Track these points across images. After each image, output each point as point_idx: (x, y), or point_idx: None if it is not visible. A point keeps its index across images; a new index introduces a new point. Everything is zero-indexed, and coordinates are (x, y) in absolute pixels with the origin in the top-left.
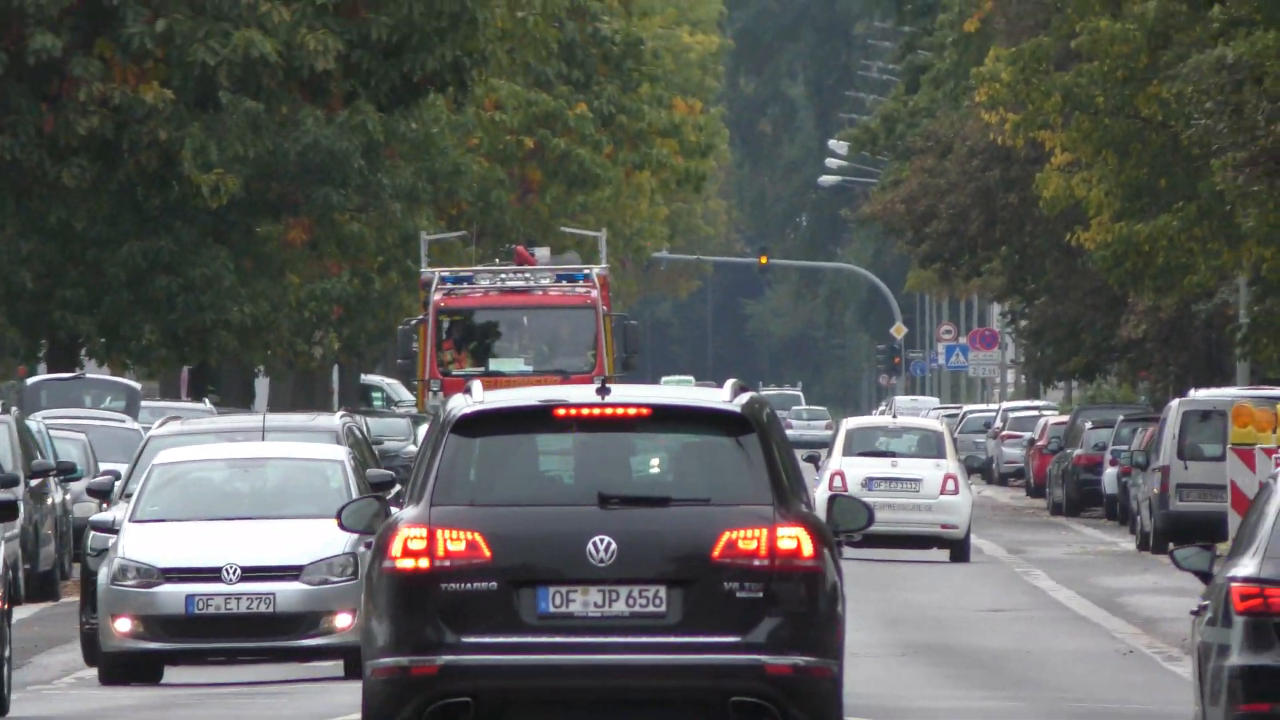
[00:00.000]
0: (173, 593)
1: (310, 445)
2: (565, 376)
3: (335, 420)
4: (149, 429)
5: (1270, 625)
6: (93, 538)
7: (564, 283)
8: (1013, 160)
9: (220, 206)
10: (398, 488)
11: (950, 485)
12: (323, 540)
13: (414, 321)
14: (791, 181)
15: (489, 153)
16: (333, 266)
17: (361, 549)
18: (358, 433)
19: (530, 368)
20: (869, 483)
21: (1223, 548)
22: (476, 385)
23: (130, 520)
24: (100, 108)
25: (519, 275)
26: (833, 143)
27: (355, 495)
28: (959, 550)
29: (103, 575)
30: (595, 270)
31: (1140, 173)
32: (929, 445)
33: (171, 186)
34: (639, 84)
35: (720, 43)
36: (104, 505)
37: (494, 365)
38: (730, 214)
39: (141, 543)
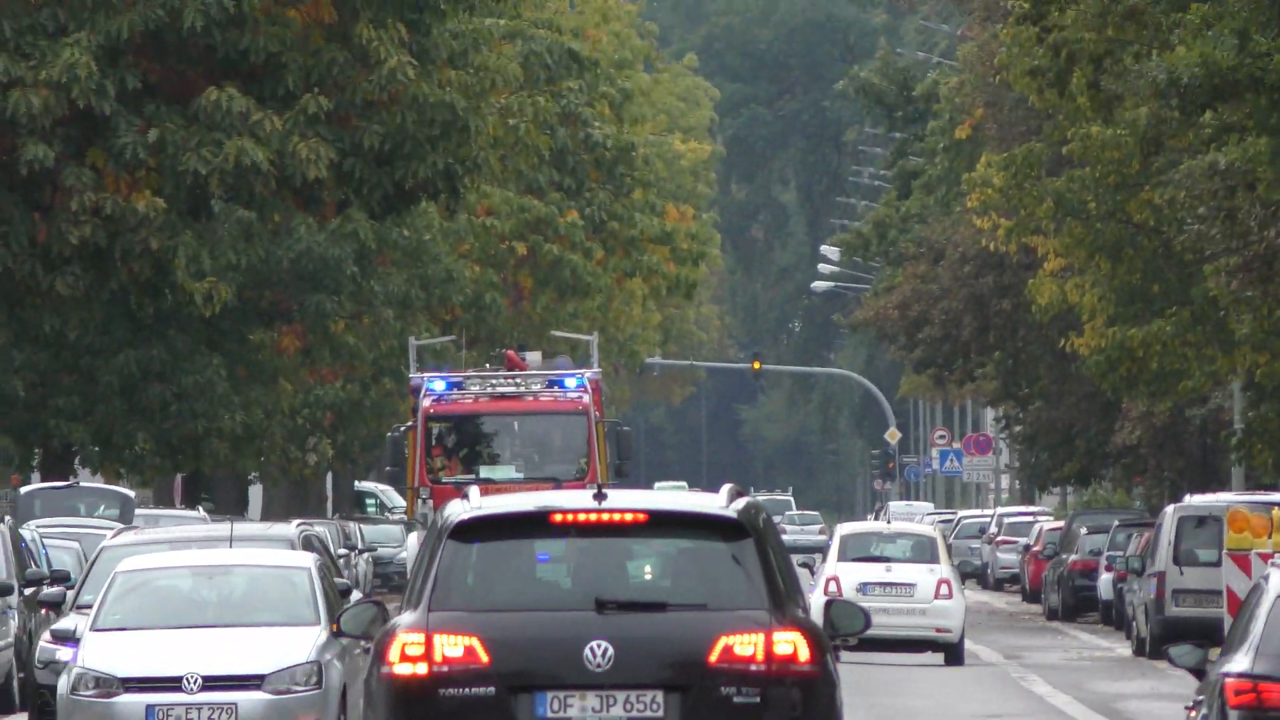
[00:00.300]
0: (132, 703)
1: (277, 552)
2: (557, 484)
3: (291, 529)
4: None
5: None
6: (41, 649)
7: (555, 388)
8: (1005, 266)
9: (213, 314)
10: (356, 594)
11: (944, 590)
12: (287, 649)
13: (403, 428)
14: (784, 287)
15: (481, 258)
16: (326, 374)
17: (328, 657)
18: (316, 542)
19: (521, 475)
20: (864, 587)
21: (1215, 652)
22: (474, 491)
23: (91, 629)
24: (92, 217)
25: (510, 381)
26: (825, 248)
27: (323, 603)
28: (953, 654)
29: (62, 684)
30: (587, 375)
31: (1133, 278)
32: (923, 551)
33: (164, 295)
34: (631, 190)
35: (712, 149)
36: (51, 615)
37: (485, 472)
38: (723, 319)
39: (102, 651)
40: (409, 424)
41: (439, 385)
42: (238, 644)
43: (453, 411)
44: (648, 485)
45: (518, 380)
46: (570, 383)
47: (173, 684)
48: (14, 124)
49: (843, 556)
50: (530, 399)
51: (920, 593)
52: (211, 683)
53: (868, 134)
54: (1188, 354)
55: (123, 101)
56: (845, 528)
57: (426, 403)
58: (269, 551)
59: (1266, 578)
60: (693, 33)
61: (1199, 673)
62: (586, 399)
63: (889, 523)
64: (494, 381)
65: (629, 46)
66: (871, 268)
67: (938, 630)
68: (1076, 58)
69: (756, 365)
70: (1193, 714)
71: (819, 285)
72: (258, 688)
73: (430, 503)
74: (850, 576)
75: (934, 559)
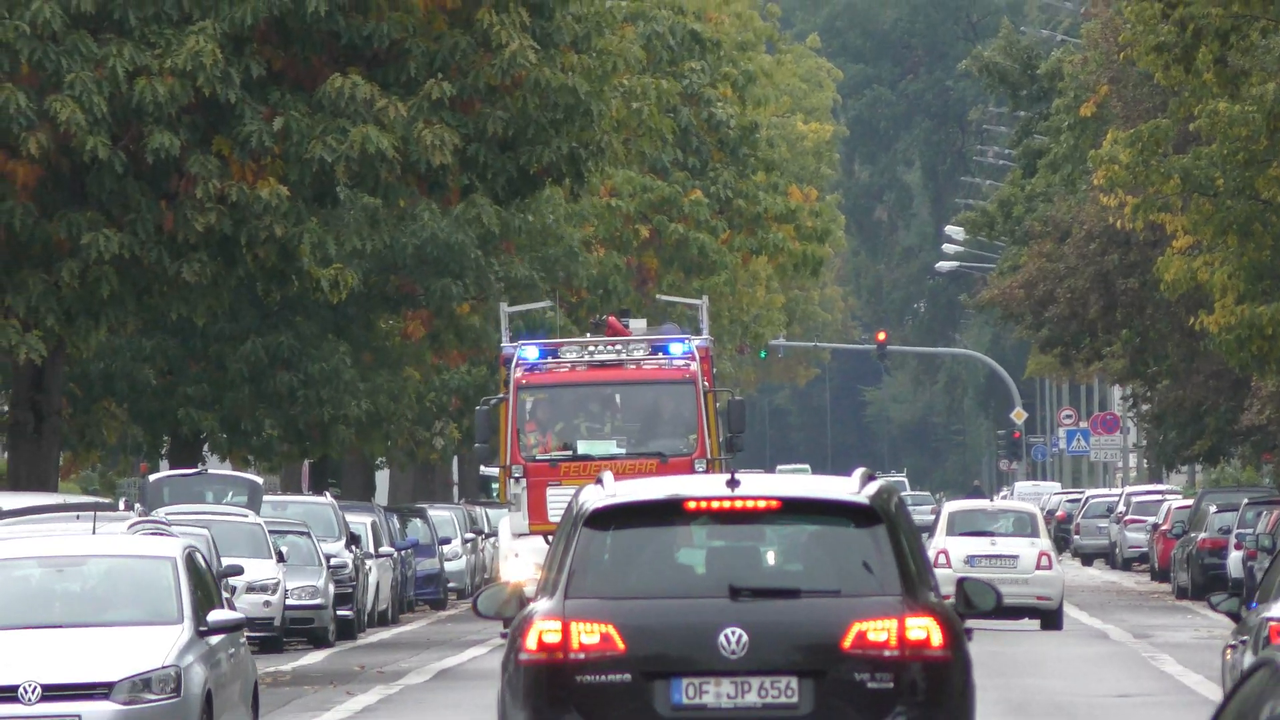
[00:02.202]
0: None
1: (140, 540)
2: (663, 460)
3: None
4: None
5: None
6: None
7: (660, 355)
8: (1132, 244)
9: (340, 301)
10: (245, 633)
11: (1044, 561)
12: (142, 652)
13: (493, 401)
14: (908, 268)
15: (605, 240)
16: (451, 358)
17: (189, 660)
18: (200, 562)
19: (623, 450)
20: (971, 560)
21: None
22: (608, 476)
23: None
24: (218, 204)
25: (609, 348)
26: (949, 228)
27: (188, 598)
28: (1052, 620)
29: None
30: (695, 341)
31: (1263, 255)
32: (1024, 525)
33: (291, 281)
34: (755, 170)
35: (835, 130)
36: None
37: (583, 448)
38: (847, 301)
39: None
40: (500, 396)
41: (531, 353)
42: (85, 647)
43: (547, 382)
44: (770, 468)
45: (618, 347)
46: (676, 349)
47: (7, 694)
48: (140, 113)
49: (950, 531)
50: (632, 367)
51: (1023, 564)
52: (52, 692)
53: (991, 113)
54: None
55: (247, 89)
56: (952, 505)
57: (518, 373)
58: (130, 539)
59: None
60: (815, 14)
61: (1236, 617)
62: (694, 367)
63: (993, 500)
64: (592, 349)
65: (751, 28)
66: (996, 247)
67: (1039, 598)
68: (1202, 33)
69: (881, 336)
70: (1228, 654)
71: (944, 265)
72: (105, 697)
73: (524, 481)
74: (958, 550)
75: (1035, 533)
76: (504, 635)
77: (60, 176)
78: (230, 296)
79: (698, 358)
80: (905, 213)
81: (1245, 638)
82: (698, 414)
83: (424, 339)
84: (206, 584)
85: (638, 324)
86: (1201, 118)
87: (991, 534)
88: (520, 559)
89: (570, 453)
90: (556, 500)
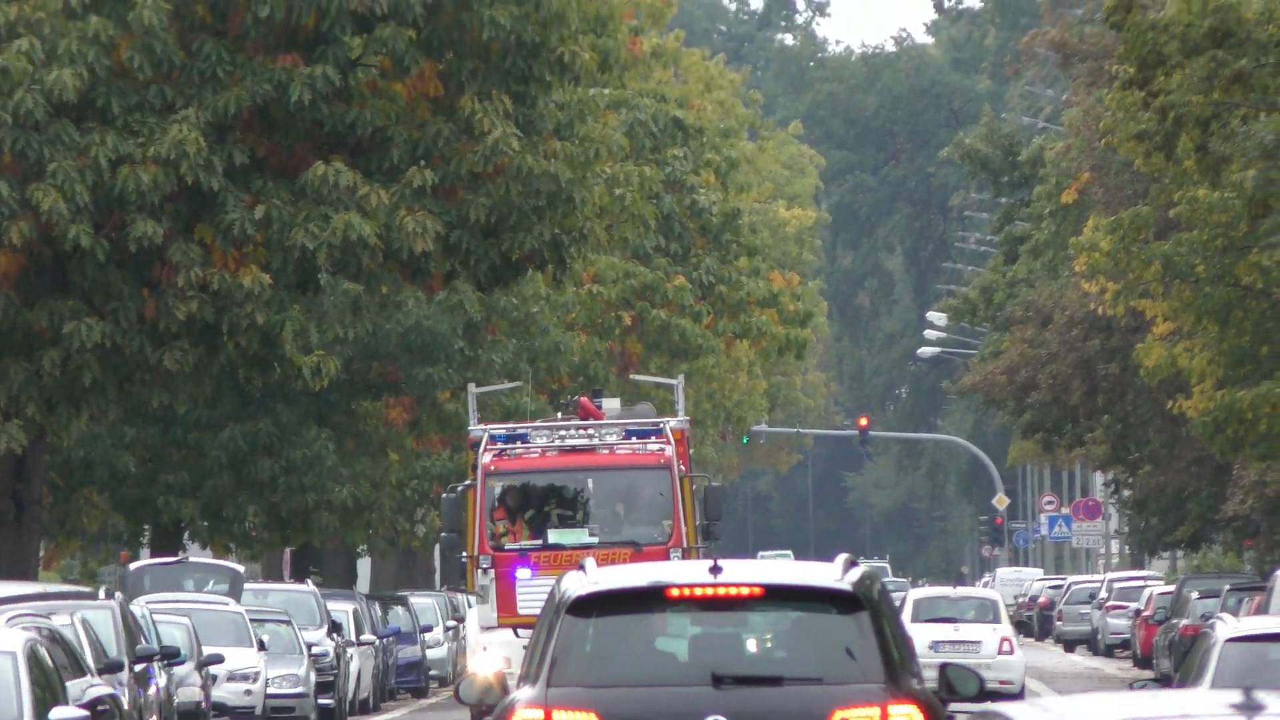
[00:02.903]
0: None
1: None
2: (638, 549)
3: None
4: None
5: None
6: None
7: (634, 439)
8: (1113, 329)
9: (321, 388)
10: None
11: (1005, 646)
12: None
13: (461, 487)
14: (890, 353)
15: (588, 326)
16: (433, 444)
17: None
18: (45, 657)
19: (595, 539)
20: (935, 645)
21: None
22: (590, 563)
23: None
24: (200, 292)
25: (581, 432)
26: (931, 314)
27: (29, 696)
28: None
29: None
30: (671, 424)
31: (1242, 341)
32: (985, 611)
33: (273, 369)
34: (737, 256)
35: (817, 216)
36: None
37: (554, 537)
38: (829, 386)
39: None
40: (468, 482)
41: (500, 437)
42: None
43: (516, 468)
44: (753, 554)
45: (590, 431)
46: (651, 433)
47: None
48: (123, 201)
49: (915, 618)
50: (605, 452)
51: (985, 649)
52: None
53: (973, 200)
54: None
55: (230, 177)
56: (916, 592)
57: (486, 458)
58: None
59: (1212, 626)
60: (797, 100)
61: None
62: (670, 451)
63: (955, 588)
64: (563, 433)
65: (734, 115)
66: (978, 333)
67: (1001, 683)
68: (1183, 121)
69: (863, 422)
70: None
71: (925, 351)
72: None
73: (491, 573)
74: (922, 636)
75: (996, 619)
76: None
77: (42, 265)
78: (212, 385)
79: (673, 441)
80: (887, 298)
81: None
82: (673, 500)
83: (405, 426)
84: (51, 681)
85: (611, 404)
86: (1182, 204)
87: (955, 620)
88: (489, 652)
89: (540, 542)
90: (526, 592)
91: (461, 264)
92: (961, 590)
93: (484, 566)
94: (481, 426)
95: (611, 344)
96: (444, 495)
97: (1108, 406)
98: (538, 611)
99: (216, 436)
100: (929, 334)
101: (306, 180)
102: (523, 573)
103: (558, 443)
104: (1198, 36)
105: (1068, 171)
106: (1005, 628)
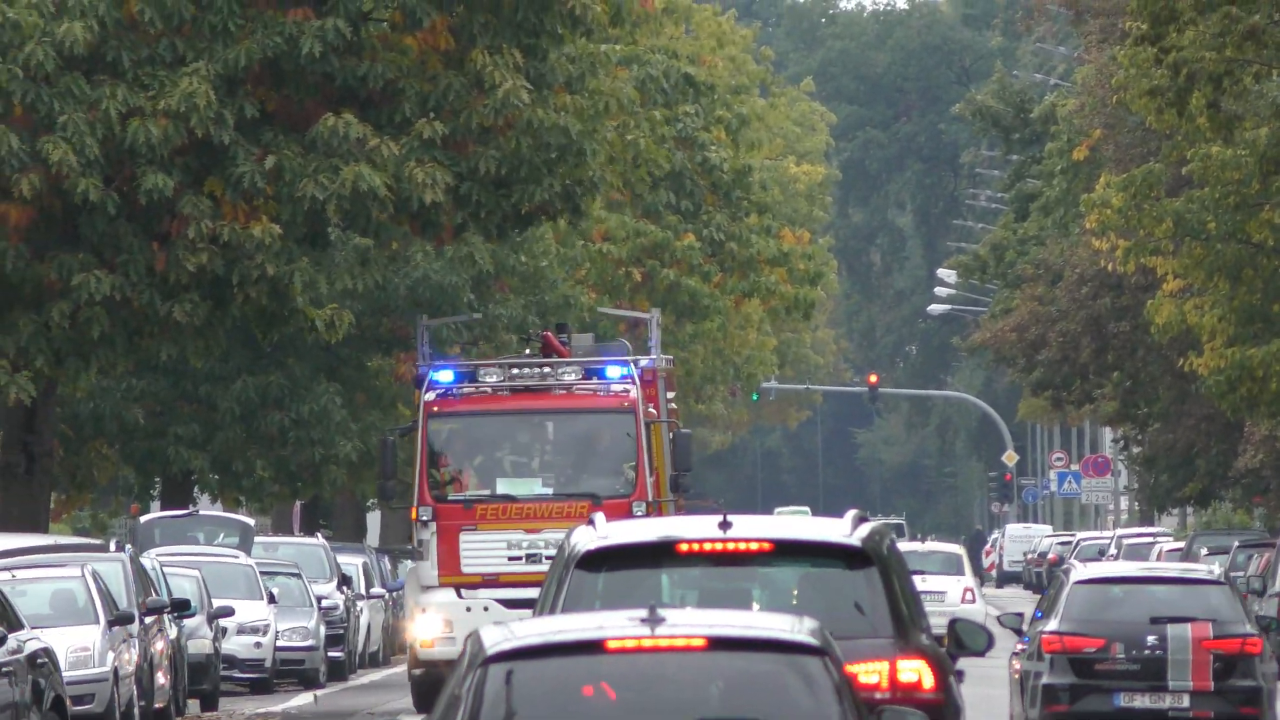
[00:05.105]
0: None
1: None
2: (596, 502)
3: None
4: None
5: (1065, 660)
6: None
7: (595, 380)
8: (1123, 287)
9: (335, 341)
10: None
11: (968, 595)
12: None
13: (401, 430)
14: (900, 311)
15: (597, 284)
16: None
17: None
18: None
19: (550, 490)
20: None
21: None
22: (599, 518)
23: None
24: (210, 245)
25: (537, 370)
26: (941, 271)
27: None
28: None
29: None
30: (643, 363)
31: (1253, 299)
32: (950, 564)
33: (286, 322)
34: (748, 213)
35: (827, 173)
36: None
37: (503, 487)
38: (839, 343)
39: None
40: (409, 424)
41: (445, 376)
42: None
43: (462, 409)
44: (767, 511)
45: (546, 370)
46: (614, 372)
47: None
48: (133, 154)
49: None
50: (562, 393)
51: (949, 599)
52: None
53: (984, 157)
54: None
55: (241, 130)
56: None
57: (430, 397)
58: None
59: (1067, 571)
60: (809, 57)
61: (1019, 631)
62: (634, 393)
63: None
64: (515, 371)
65: (745, 72)
66: (989, 290)
67: None
68: (1196, 78)
69: (873, 379)
70: (1015, 663)
71: (936, 308)
72: None
73: (432, 525)
74: None
75: (960, 571)
76: None
77: (52, 218)
78: (225, 339)
79: (637, 382)
80: (898, 256)
81: (1022, 648)
82: (638, 448)
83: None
84: None
85: (582, 339)
86: (1194, 162)
87: (922, 572)
88: (428, 615)
89: (488, 493)
90: (472, 549)
91: (472, 215)
92: (929, 545)
93: (424, 519)
94: (427, 364)
95: (620, 302)
96: (381, 439)
97: (1117, 364)
98: (483, 570)
99: (227, 389)
100: (939, 291)
101: (317, 133)
102: (467, 531)
103: (509, 382)
104: None
105: (1079, 128)
106: (968, 579)
